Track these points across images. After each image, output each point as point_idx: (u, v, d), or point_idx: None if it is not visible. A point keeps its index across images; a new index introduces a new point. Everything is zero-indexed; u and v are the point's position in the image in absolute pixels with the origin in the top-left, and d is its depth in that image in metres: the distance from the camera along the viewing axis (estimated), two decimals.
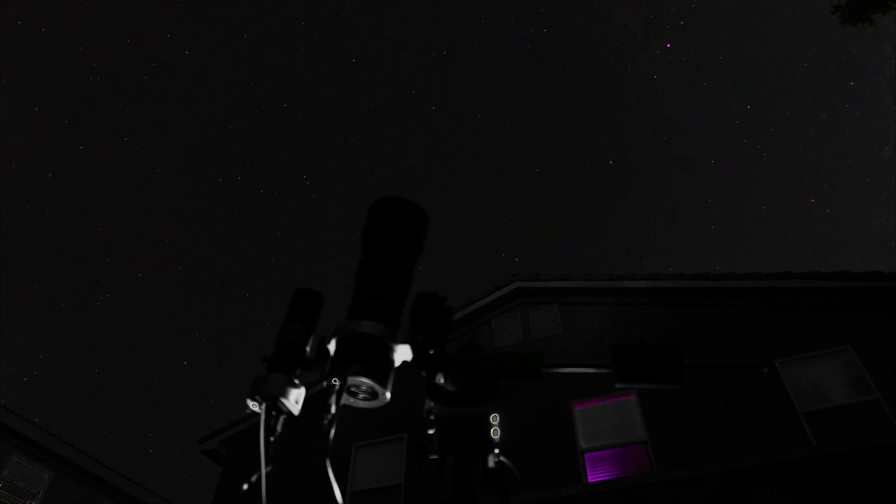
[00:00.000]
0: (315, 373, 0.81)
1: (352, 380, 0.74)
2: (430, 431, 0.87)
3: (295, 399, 0.80)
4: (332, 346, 0.79)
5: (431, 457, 0.87)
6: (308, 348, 0.86)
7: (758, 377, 7.93)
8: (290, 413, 0.80)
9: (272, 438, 0.78)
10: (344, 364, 0.75)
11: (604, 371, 0.83)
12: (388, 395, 0.76)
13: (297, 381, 0.82)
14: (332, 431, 0.71)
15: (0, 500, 11.57)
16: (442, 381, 0.85)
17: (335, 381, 0.74)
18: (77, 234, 55.23)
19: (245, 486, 0.76)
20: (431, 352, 0.82)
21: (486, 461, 0.86)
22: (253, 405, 0.79)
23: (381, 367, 0.75)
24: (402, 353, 0.80)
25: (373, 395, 0.76)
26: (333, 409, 0.72)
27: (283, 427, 0.80)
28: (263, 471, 0.73)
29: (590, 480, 8.03)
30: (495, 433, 0.89)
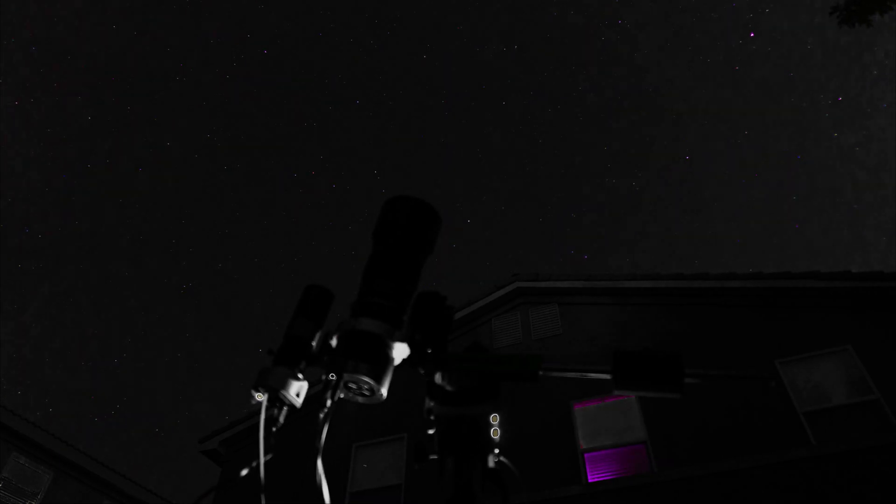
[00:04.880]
0: (319, 368, 0.83)
1: (348, 376, 0.75)
2: (430, 431, 0.88)
3: (296, 392, 0.82)
4: (334, 342, 0.80)
5: (431, 457, 0.87)
6: (314, 343, 0.87)
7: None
8: (291, 405, 0.82)
9: (274, 429, 0.80)
10: (341, 360, 0.76)
11: (603, 376, 0.82)
12: (385, 391, 0.76)
13: (300, 375, 0.83)
14: (326, 426, 0.72)
15: (0, 500, 11.57)
16: (440, 380, 0.85)
17: (331, 376, 0.75)
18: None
19: (244, 472, 0.78)
20: (429, 351, 0.82)
21: (486, 461, 0.86)
22: (257, 396, 0.81)
23: (377, 364, 0.76)
24: (402, 352, 0.80)
25: (369, 391, 0.76)
26: (329, 404, 0.73)
27: (285, 421, 0.82)
28: (262, 459, 0.75)
29: (590, 480, 8.03)
30: (495, 433, 0.89)
